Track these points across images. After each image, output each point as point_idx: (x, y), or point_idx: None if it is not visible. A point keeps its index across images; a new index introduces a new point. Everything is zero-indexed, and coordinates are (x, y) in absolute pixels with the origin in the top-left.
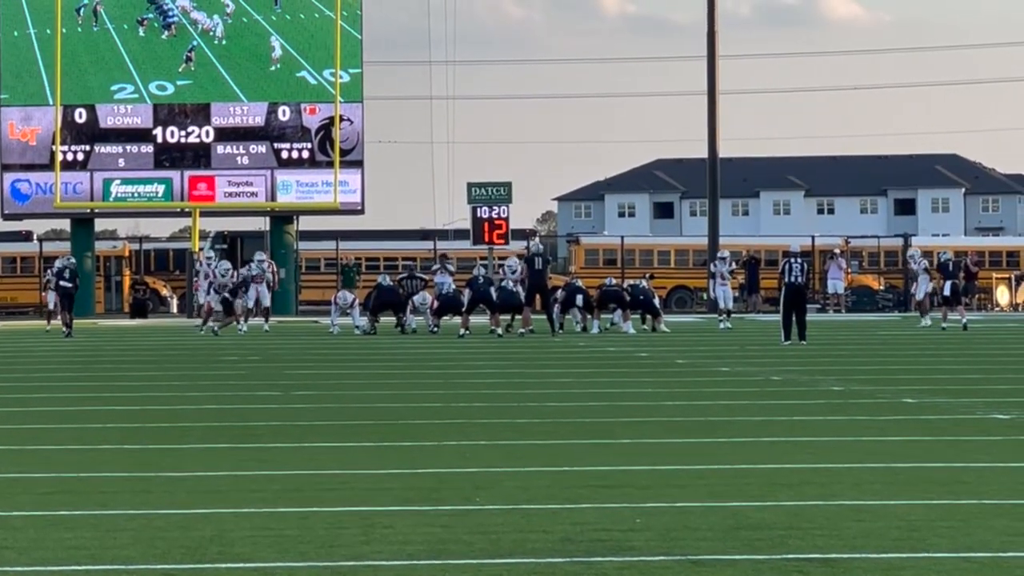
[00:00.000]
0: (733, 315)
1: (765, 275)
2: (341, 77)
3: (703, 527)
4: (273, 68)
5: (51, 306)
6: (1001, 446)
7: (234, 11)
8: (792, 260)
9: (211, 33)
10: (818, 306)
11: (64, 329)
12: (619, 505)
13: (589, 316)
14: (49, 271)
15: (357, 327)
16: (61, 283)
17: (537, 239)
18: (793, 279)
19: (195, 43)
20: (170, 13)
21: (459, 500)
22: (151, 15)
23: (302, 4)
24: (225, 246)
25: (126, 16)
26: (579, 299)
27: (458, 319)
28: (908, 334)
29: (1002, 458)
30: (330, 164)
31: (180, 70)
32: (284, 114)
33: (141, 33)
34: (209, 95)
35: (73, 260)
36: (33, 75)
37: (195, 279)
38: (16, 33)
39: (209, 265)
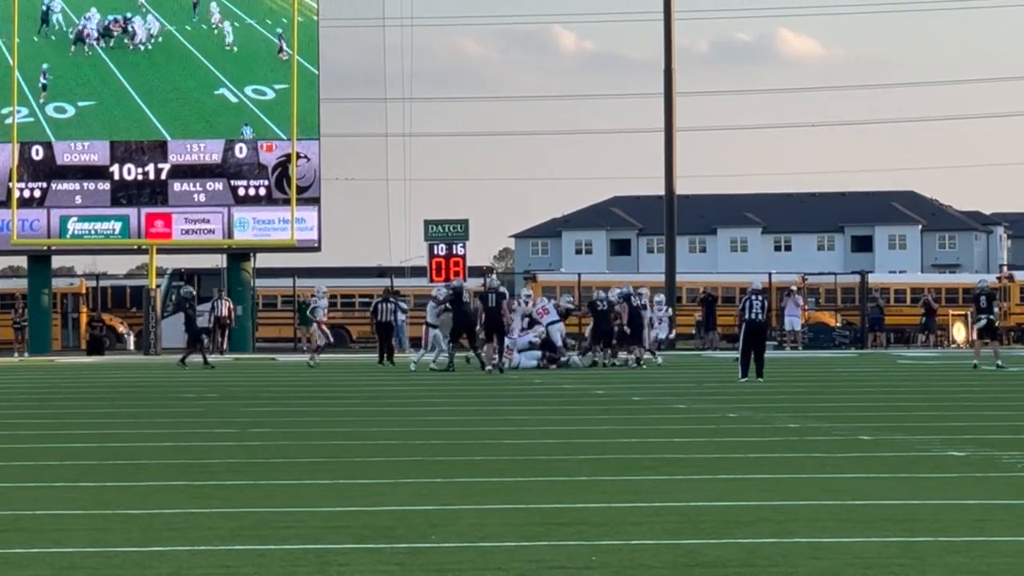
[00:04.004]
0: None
1: (721, 312)
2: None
3: (658, 564)
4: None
5: None
6: (956, 483)
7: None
8: (753, 297)
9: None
10: (775, 343)
11: None
12: (574, 542)
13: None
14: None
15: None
16: None
17: (494, 276)
18: (754, 316)
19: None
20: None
21: (415, 538)
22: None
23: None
24: (182, 283)
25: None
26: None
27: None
28: (865, 371)
29: (957, 495)
30: (287, 201)
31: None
32: (241, 151)
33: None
34: (114, 118)
35: None
36: None
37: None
38: None
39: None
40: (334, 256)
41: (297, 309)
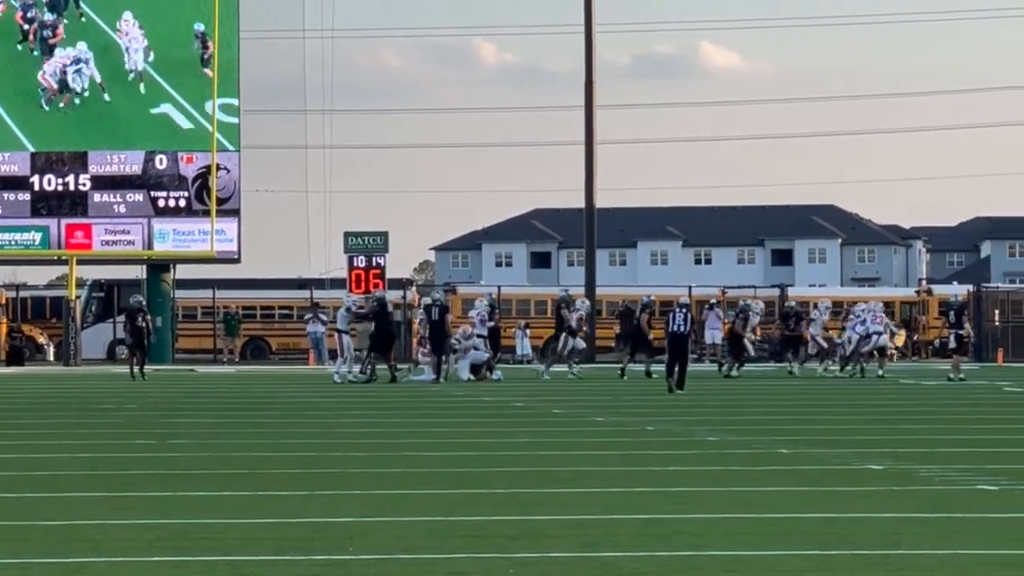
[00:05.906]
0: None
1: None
2: (218, 113)
3: None
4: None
5: None
6: (874, 496)
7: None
8: (676, 310)
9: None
10: (695, 356)
11: None
12: (492, 555)
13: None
14: None
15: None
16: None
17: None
18: (676, 328)
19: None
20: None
21: (332, 549)
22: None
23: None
24: (102, 294)
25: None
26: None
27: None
28: (784, 384)
29: (874, 508)
30: (207, 213)
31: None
32: (161, 163)
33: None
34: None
35: None
36: None
37: None
38: None
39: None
40: (254, 268)
41: (223, 320)
